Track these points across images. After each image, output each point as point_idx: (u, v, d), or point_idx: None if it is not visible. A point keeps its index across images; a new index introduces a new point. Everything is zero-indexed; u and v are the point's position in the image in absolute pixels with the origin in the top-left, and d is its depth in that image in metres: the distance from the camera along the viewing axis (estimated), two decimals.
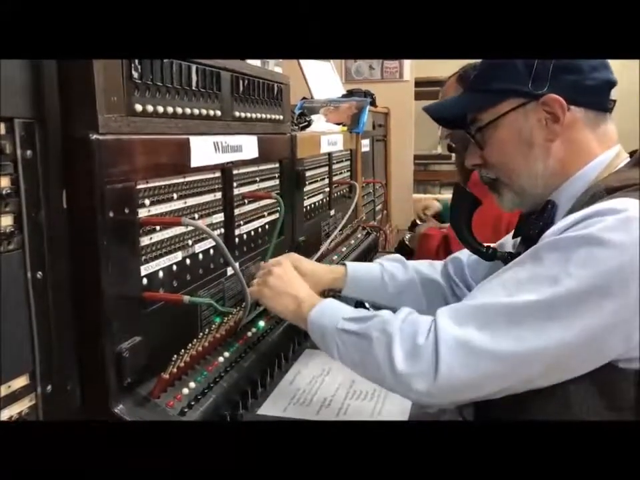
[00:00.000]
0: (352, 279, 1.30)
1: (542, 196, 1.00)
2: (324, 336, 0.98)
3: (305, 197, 1.67)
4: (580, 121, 0.96)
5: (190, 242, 1.01)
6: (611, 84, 0.98)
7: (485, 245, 1.13)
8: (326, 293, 1.32)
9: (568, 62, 0.94)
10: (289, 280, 1.11)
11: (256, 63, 1.73)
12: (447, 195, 3.76)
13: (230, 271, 1.15)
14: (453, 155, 2.03)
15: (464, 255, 1.33)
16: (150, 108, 0.87)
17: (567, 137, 0.96)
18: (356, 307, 1.48)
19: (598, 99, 0.98)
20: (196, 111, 1.00)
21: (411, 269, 1.33)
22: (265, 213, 1.36)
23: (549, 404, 0.88)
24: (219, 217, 1.13)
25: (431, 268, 1.35)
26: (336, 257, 1.80)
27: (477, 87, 1.04)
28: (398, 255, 1.40)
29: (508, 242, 1.25)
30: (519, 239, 1.14)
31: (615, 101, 0.99)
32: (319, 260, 1.64)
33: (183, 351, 0.93)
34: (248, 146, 1.22)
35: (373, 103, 2.64)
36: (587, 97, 0.96)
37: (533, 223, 1.00)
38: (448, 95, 1.87)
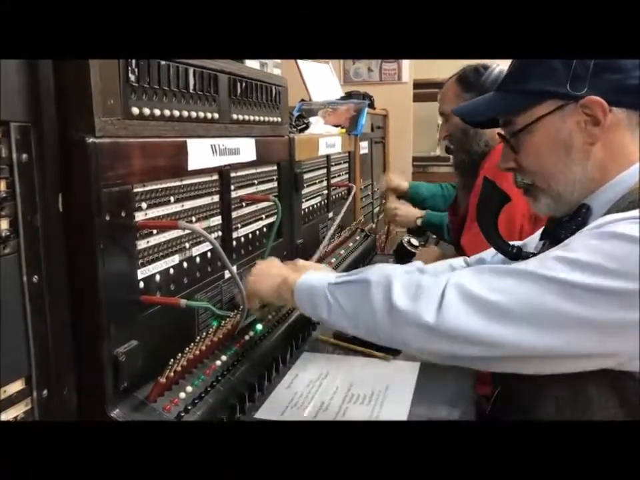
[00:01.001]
0: None
1: (577, 201, 0.97)
2: (312, 296, 0.96)
3: (303, 200, 1.66)
4: (621, 122, 0.92)
5: (187, 245, 1.01)
6: None
7: (511, 243, 1.10)
8: None
9: (609, 60, 0.90)
10: (272, 265, 1.13)
11: (254, 65, 1.73)
12: None
13: (228, 274, 1.15)
14: (451, 156, 2.01)
15: (488, 255, 1.30)
16: (147, 111, 0.86)
17: (607, 140, 0.92)
18: None
19: None
20: (193, 114, 0.99)
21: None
22: (263, 216, 1.35)
23: (566, 408, 0.87)
24: (217, 220, 1.13)
25: (451, 271, 1.30)
26: (334, 259, 1.79)
27: (511, 88, 0.99)
28: (417, 264, 1.37)
29: (531, 242, 1.22)
30: (540, 242, 1.11)
31: None
32: (318, 262, 1.64)
33: (179, 354, 0.92)
34: (246, 148, 1.22)
35: (371, 105, 2.64)
36: (630, 97, 0.91)
37: (565, 227, 0.96)
38: (447, 97, 1.86)
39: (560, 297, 0.78)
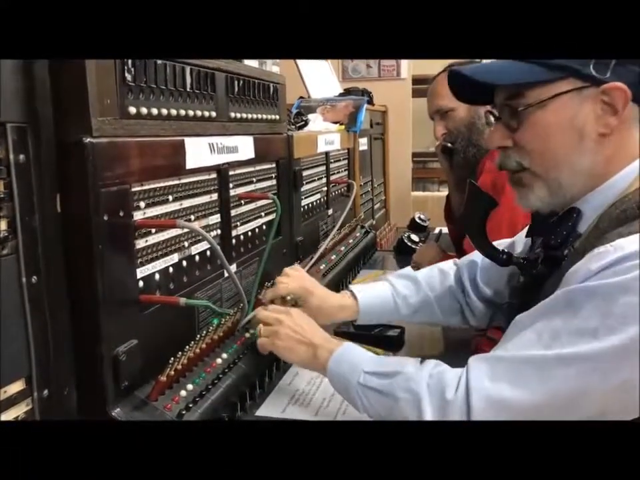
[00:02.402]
0: (364, 311, 1.26)
1: (574, 197, 0.91)
2: (347, 389, 0.93)
3: (303, 197, 1.66)
4: (634, 119, 0.87)
5: (186, 244, 1.01)
6: None
7: (500, 249, 1.06)
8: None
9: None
10: (301, 328, 1.05)
11: (253, 62, 1.73)
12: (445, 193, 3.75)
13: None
14: (440, 157, 1.95)
15: (479, 256, 1.27)
16: (144, 110, 0.86)
17: (620, 133, 0.87)
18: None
19: None
20: (191, 113, 0.99)
21: (423, 286, 1.29)
22: (262, 214, 1.36)
23: None
24: (216, 218, 1.13)
25: (442, 277, 1.31)
26: (334, 256, 1.80)
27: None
28: (408, 271, 1.35)
29: (519, 241, 1.21)
30: (528, 240, 1.10)
31: None
32: (318, 260, 1.64)
33: (180, 353, 0.92)
34: (244, 147, 1.22)
35: (370, 102, 2.64)
36: None
37: (555, 232, 0.92)
38: (438, 92, 1.80)
39: (589, 373, 0.75)
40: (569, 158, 0.89)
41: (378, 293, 1.29)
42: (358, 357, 0.96)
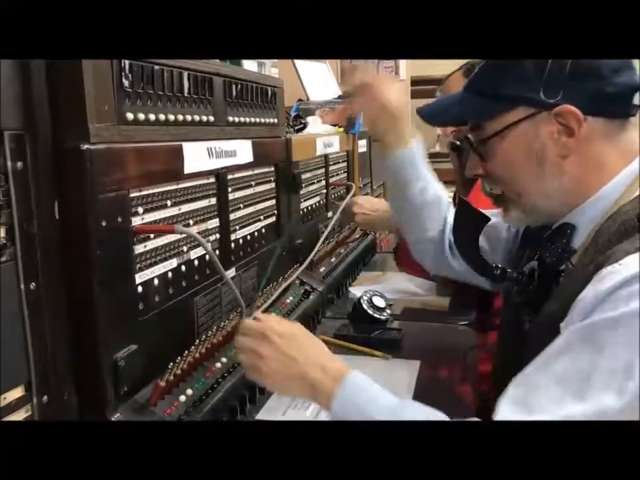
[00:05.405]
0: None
1: (557, 213, 0.91)
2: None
3: (302, 200, 1.67)
4: (598, 133, 0.86)
5: (185, 248, 1.01)
6: (635, 87, 0.86)
7: (494, 265, 1.02)
8: None
9: (585, 66, 0.84)
10: (287, 357, 0.88)
11: (251, 65, 1.73)
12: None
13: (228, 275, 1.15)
14: (450, 155, 1.97)
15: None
16: (141, 116, 0.87)
17: (583, 151, 0.86)
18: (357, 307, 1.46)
19: (620, 106, 0.87)
20: (188, 117, 1.00)
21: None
22: (261, 217, 1.36)
23: None
24: (214, 223, 1.13)
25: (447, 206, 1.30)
26: (334, 258, 1.80)
27: (482, 90, 0.92)
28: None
29: (495, 229, 1.17)
30: (521, 249, 1.09)
31: (638, 106, 0.88)
32: (317, 263, 1.64)
33: (179, 357, 0.93)
34: (242, 151, 1.22)
35: None
36: (607, 105, 0.86)
37: (550, 249, 0.90)
38: (450, 91, 1.83)
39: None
40: (535, 183, 0.90)
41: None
42: (367, 400, 0.85)
